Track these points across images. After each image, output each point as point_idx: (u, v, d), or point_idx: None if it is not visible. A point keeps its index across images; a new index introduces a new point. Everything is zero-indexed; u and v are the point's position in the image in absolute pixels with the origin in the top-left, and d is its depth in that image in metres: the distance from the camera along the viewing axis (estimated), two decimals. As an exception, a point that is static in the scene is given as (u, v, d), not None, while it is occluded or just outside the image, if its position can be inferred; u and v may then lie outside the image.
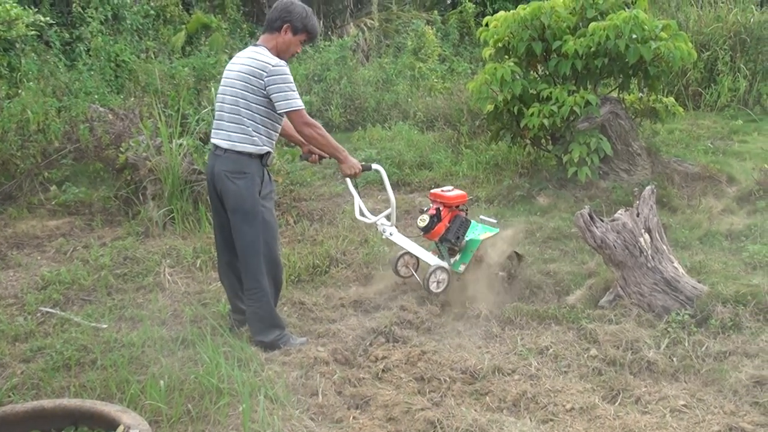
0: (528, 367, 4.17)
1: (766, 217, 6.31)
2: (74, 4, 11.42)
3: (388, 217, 5.22)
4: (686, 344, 4.29)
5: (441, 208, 5.36)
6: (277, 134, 4.52)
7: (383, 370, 4.25)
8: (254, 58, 4.31)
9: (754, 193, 6.74)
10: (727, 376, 3.92)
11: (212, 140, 4.47)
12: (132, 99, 8.93)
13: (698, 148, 9.00)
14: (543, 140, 7.92)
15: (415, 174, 8.76)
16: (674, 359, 4.17)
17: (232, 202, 4.38)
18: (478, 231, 5.44)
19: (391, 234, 5.23)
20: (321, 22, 15.90)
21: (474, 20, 17.09)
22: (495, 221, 5.53)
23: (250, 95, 4.28)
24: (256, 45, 4.45)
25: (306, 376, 4.14)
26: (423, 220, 5.33)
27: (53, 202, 7.32)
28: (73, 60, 10.79)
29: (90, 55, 10.56)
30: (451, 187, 5.53)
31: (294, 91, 4.30)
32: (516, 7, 7.09)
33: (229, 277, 4.74)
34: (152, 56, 11.45)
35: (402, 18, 16.59)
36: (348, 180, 5.11)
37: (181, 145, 7.07)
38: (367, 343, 4.59)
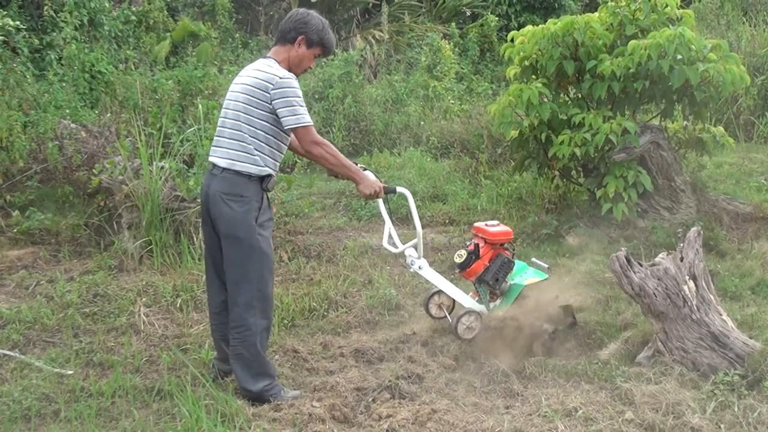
0: (554, 431, 4.14)
1: (826, 265, 6.31)
2: (46, 7, 11.55)
3: (414, 248, 5.27)
4: (736, 409, 4.26)
5: (481, 245, 5.41)
6: (282, 155, 4.59)
7: (387, 431, 4.22)
8: (262, 70, 4.40)
9: (814, 238, 6.76)
10: (783, 447, 3.90)
11: (210, 158, 4.53)
12: (108, 115, 9.00)
13: (750, 185, 9.02)
14: (573, 172, 7.95)
15: (428, 207, 8.80)
16: (722, 426, 4.14)
17: (225, 227, 4.41)
18: (527, 275, 5.48)
19: (420, 268, 5.27)
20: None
21: (497, 35, 17.26)
22: (546, 266, 5.56)
23: (254, 110, 4.36)
24: (266, 57, 4.53)
25: (299, 435, 4.13)
26: (460, 256, 5.40)
27: (15, 230, 7.35)
28: (42, 69, 10.91)
29: (62, 64, 10.67)
30: (496, 222, 5.59)
31: (302, 106, 4.37)
32: (545, 20, 7.17)
33: (220, 319, 4.72)
34: (132, 67, 11.56)
35: (415, 30, 16.74)
36: (380, 203, 5.26)
37: (162, 168, 7.11)
38: (370, 399, 4.58)
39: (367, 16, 19.13)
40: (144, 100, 10.02)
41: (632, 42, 6.86)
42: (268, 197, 4.54)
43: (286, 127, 4.39)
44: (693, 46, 6.80)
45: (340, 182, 9.42)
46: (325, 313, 5.97)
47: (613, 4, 7.37)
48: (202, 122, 7.84)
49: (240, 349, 4.47)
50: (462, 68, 15.28)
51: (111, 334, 5.60)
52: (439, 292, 5.52)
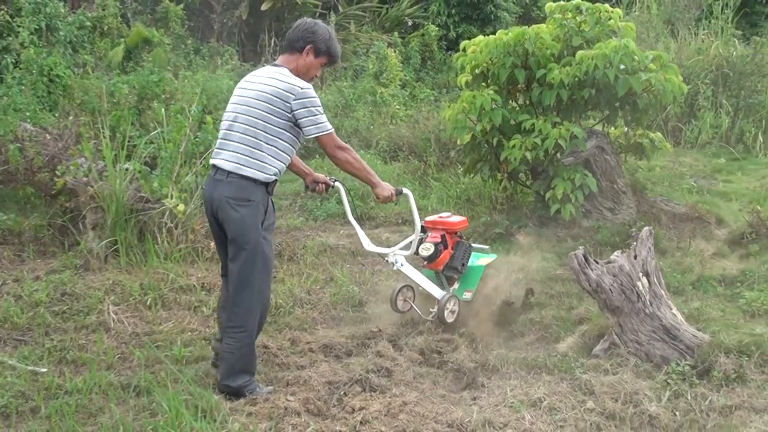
0: (521, 420, 4.15)
1: (760, 261, 6.46)
2: (1, 12, 11.23)
3: (406, 247, 5.37)
4: (688, 397, 4.34)
5: (445, 235, 5.48)
6: (290, 163, 4.55)
7: (361, 422, 4.17)
8: (279, 79, 4.33)
9: (746, 236, 6.91)
10: (735, 432, 3.98)
11: (213, 161, 4.44)
12: (70, 118, 8.79)
13: (682, 187, 9.21)
14: (522, 174, 8.02)
15: (381, 207, 8.78)
16: (677, 413, 4.21)
17: (234, 231, 4.34)
18: (479, 258, 5.67)
19: (402, 265, 5.34)
20: (272, 40, 15.95)
21: (437, 44, 17.35)
22: (487, 247, 5.77)
23: (274, 118, 4.29)
24: (275, 65, 4.48)
25: (276, 429, 4.07)
26: (427, 249, 5.48)
27: (-25, 230, 7.11)
28: (-1, 73, 10.63)
29: (20, 68, 10.38)
30: (449, 213, 5.79)
31: (323, 114, 4.35)
32: (481, 30, 7.24)
33: None
34: (89, 71, 11.31)
35: (361, 39, 16.72)
36: (347, 207, 5.37)
37: (127, 169, 6.97)
38: (342, 393, 4.53)
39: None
40: (101, 103, 9.80)
41: (580, 52, 6.95)
42: (272, 201, 4.49)
43: (308, 136, 4.35)
44: (636, 57, 6.92)
45: (294, 183, 9.40)
46: (291, 310, 5.92)
47: (560, 16, 7.45)
48: (165, 125, 7.71)
49: (233, 349, 4.40)
50: (405, 76, 15.30)
51: (81, 332, 5.45)
52: (406, 286, 5.56)
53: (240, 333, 4.40)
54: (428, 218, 5.73)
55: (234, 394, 4.42)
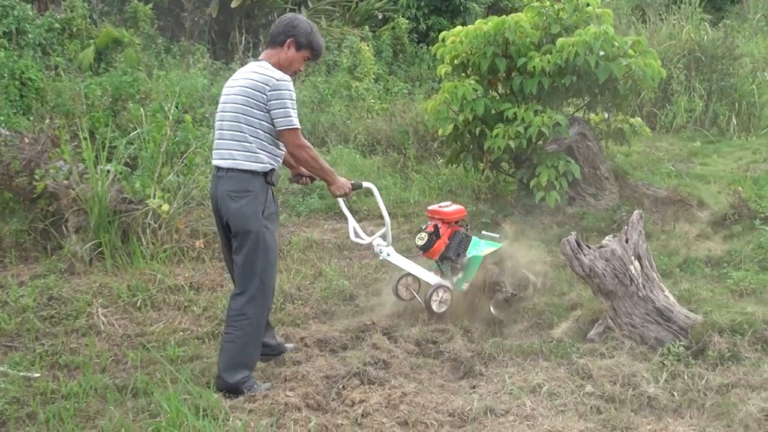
0: (522, 407, 4.18)
1: (744, 242, 6.54)
2: (-31, 16, 11.08)
3: (383, 237, 5.36)
4: (685, 377, 4.40)
5: (439, 225, 5.53)
6: (284, 151, 4.59)
7: (362, 415, 4.18)
8: (258, 72, 4.41)
9: (728, 217, 6.99)
10: (734, 410, 4.02)
11: (213, 162, 4.53)
12: (47, 121, 8.68)
13: (661, 171, 9.29)
14: (505, 163, 8.04)
15: (363, 201, 8.76)
16: (675, 394, 4.26)
17: (236, 223, 4.40)
18: (481, 247, 5.64)
19: (388, 255, 5.37)
20: (243, 38, 15.84)
21: (408, 36, 17.33)
22: (497, 236, 5.74)
23: (254, 110, 4.37)
24: (258, 60, 4.56)
25: (278, 425, 4.07)
26: (421, 239, 5.53)
27: (-44, 238, 7.00)
28: (-31, 78, 10.44)
29: (-10, 72, 10.23)
30: (449, 203, 5.80)
31: (294, 109, 4.39)
32: (451, 22, 7.24)
33: None
34: (61, 74, 11.17)
35: (332, 33, 16.66)
36: (341, 201, 5.34)
37: (108, 171, 6.90)
38: (340, 386, 4.54)
39: (284, 21, 18.92)
40: (75, 105, 9.70)
41: (561, 39, 6.98)
42: (272, 191, 4.52)
43: (277, 128, 4.38)
44: (616, 43, 6.97)
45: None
46: (283, 306, 5.90)
47: (538, 4, 7.47)
48: (144, 125, 7.64)
49: (233, 338, 4.43)
50: (378, 69, 15.28)
51: (72, 335, 5.40)
52: (407, 275, 5.60)
53: (241, 320, 4.42)
54: (429, 208, 5.81)
55: (232, 391, 4.41)
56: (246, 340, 4.43)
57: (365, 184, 5.17)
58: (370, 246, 5.50)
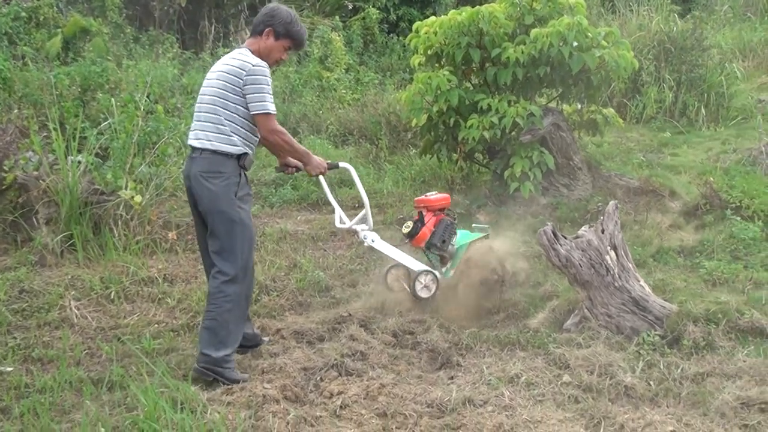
0: (500, 397, 4.19)
1: (715, 231, 6.60)
2: (-67, 5, 10.86)
3: (364, 220, 5.42)
4: (661, 366, 4.43)
5: (424, 213, 5.58)
6: (257, 137, 4.63)
7: (341, 407, 4.18)
8: (237, 58, 4.49)
9: (700, 207, 7.05)
10: (710, 398, 4.06)
11: (189, 142, 4.60)
12: (15, 111, 8.55)
13: (632, 162, 9.34)
14: (478, 154, 8.05)
15: (336, 192, 8.71)
16: (651, 383, 4.29)
17: (207, 204, 4.46)
18: (467, 237, 5.70)
19: (373, 241, 5.41)
20: (213, 28, 15.70)
21: (378, 27, 17.28)
22: (487, 226, 5.79)
23: (230, 95, 4.45)
24: (239, 47, 4.63)
25: (256, 417, 4.05)
26: (407, 227, 5.60)
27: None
28: (-66, 68, 10.24)
29: (-44, 63, 10.04)
30: (435, 192, 5.87)
31: (270, 94, 4.46)
32: (422, 13, 7.23)
33: None
34: (28, 63, 10.99)
35: (303, 23, 16.56)
36: (326, 189, 5.45)
37: (79, 162, 6.81)
38: (318, 378, 4.53)
39: (255, 10, 18.78)
40: (44, 95, 9.55)
41: (534, 30, 7.00)
42: (245, 174, 4.58)
43: (252, 113, 4.44)
44: (589, 34, 7.00)
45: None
46: (258, 298, 5.87)
47: (511, -6, 7.49)
48: (116, 115, 7.56)
49: (214, 315, 4.47)
50: (349, 59, 15.21)
51: (44, 329, 5.33)
52: (397, 265, 5.61)
53: (220, 298, 4.47)
54: (417, 198, 5.87)
55: (212, 366, 4.42)
56: (226, 318, 4.47)
57: (342, 164, 5.28)
58: (352, 232, 5.51)
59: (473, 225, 5.93)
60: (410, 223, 5.60)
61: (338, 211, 5.52)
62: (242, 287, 4.53)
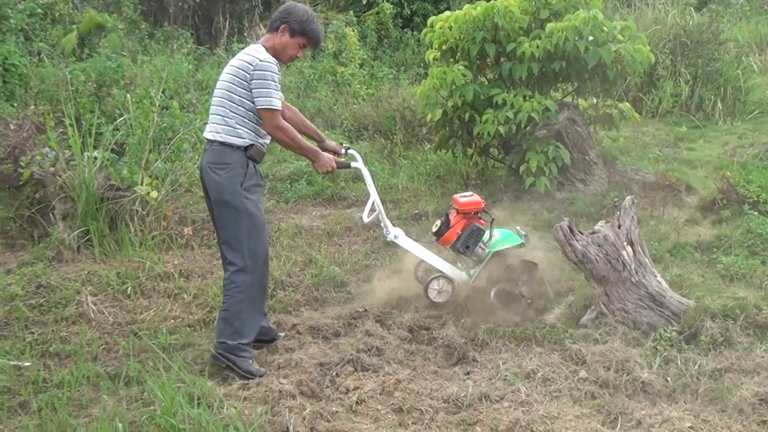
0: (517, 393, 4.19)
1: (732, 227, 6.55)
2: (-51, 1, 10.93)
3: (374, 210, 5.41)
4: (678, 362, 4.41)
5: (453, 214, 5.56)
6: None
7: (357, 402, 4.20)
8: (248, 53, 4.56)
9: (717, 202, 7.00)
10: (728, 394, 4.05)
11: (204, 135, 4.71)
12: (31, 107, 8.59)
13: (648, 157, 9.31)
14: (493, 149, 8.03)
15: (351, 188, 8.73)
16: (669, 379, 4.28)
17: (214, 194, 4.57)
18: (506, 243, 5.52)
19: (396, 237, 5.40)
20: (227, 23, 15.73)
21: (392, 22, 17.26)
22: (524, 233, 5.58)
23: (237, 88, 4.53)
24: (255, 43, 4.69)
25: (272, 412, 4.07)
26: (436, 225, 5.60)
27: (-59, 225, 6.92)
28: (-49, 64, 10.31)
29: (-28, 59, 10.10)
30: (470, 193, 5.75)
31: (276, 90, 4.50)
32: (436, 7, 7.21)
33: None
34: (44, 59, 11.05)
35: (316, 18, 16.56)
36: (367, 179, 5.37)
37: (95, 158, 6.84)
38: (334, 374, 4.55)
39: (269, 5, 18.79)
40: (60, 92, 9.59)
41: (550, 25, 6.97)
42: (255, 165, 4.64)
43: (257, 107, 4.51)
44: (605, 28, 6.96)
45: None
46: (274, 293, 5.87)
47: (526, -12, 7.46)
48: (131, 111, 7.58)
49: (227, 306, 4.57)
50: (363, 54, 15.21)
51: (62, 324, 5.36)
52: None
53: (233, 288, 4.56)
54: (454, 195, 5.75)
55: (226, 353, 4.51)
56: (238, 308, 4.55)
57: (354, 164, 5.23)
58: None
59: (516, 227, 5.76)
60: (439, 222, 5.59)
61: (372, 202, 5.43)
62: (253, 277, 4.59)
